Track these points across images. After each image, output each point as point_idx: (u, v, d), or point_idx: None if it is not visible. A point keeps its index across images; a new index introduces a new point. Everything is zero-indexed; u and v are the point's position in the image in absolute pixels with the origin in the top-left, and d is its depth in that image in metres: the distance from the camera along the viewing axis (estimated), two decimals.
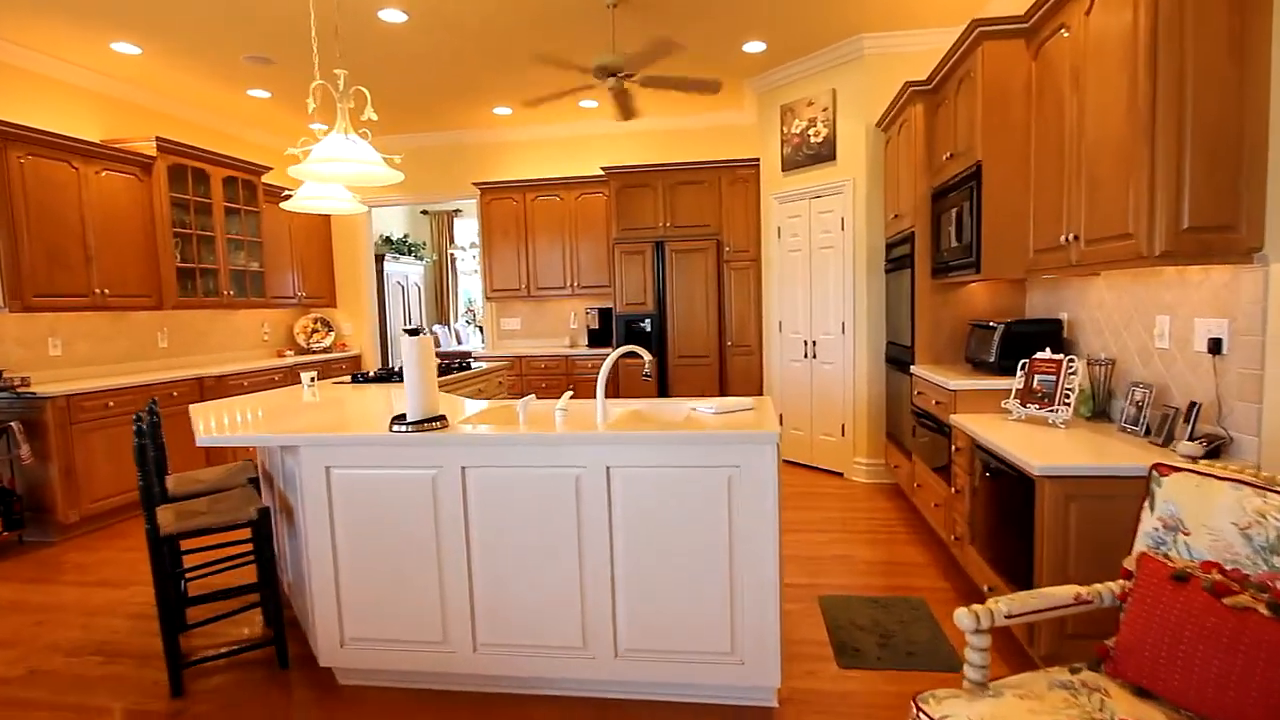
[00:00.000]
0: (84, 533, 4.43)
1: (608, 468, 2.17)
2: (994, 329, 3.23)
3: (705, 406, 2.49)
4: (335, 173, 2.64)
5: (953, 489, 3.07)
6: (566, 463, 2.20)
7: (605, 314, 6.48)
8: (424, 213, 11.23)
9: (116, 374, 5.10)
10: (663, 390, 5.99)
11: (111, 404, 4.55)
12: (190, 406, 3.31)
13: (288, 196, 3.36)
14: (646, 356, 2.52)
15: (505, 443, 2.22)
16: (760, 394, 5.80)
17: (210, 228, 5.69)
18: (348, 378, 4.24)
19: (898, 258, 4.25)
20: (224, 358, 6.26)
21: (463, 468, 2.26)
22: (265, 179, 6.63)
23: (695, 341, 5.88)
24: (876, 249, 4.72)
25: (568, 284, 6.49)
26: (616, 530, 2.19)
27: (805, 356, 5.22)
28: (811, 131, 4.96)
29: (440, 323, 11.29)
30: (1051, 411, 2.64)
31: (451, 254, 11.23)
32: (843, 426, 4.98)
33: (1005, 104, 2.95)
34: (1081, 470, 2.07)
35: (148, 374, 5.11)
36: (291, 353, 6.89)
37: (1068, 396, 2.61)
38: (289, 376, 6.22)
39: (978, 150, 3.03)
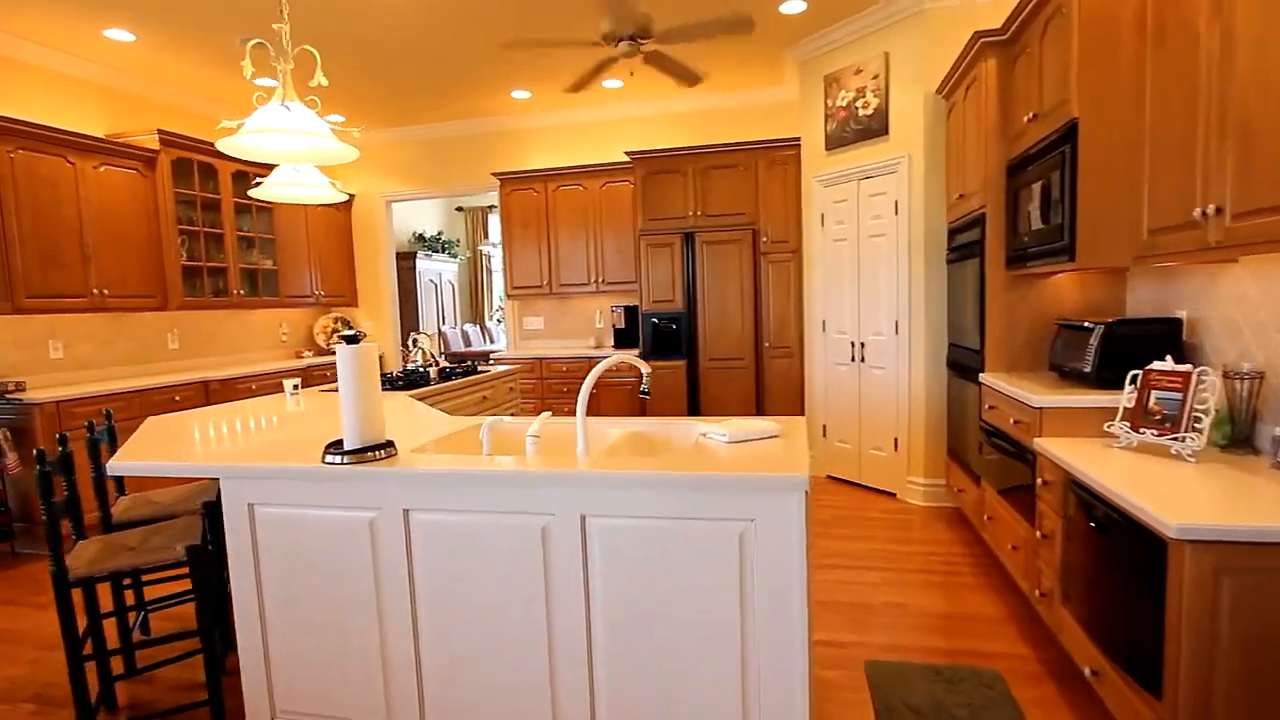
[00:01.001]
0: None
1: (582, 517, 1.68)
2: (1090, 330, 2.60)
3: (718, 432, 1.97)
4: (276, 148, 2.22)
5: (1037, 531, 2.47)
6: (530, 508, 1.71)
7: (632, 312, 5.99)
8: (459, 209, 10.99)
9: (121, 377, 4.88)
10: (693, 398, 5.46)
11: (107, 410, 4.29)
12: (150, 419, 2.97)
13: (258, 183, 2.98)
14: (644, 368, 2.01)
15: (451, 481, 1.75)
16: (801, 403, 5.21)
17: (219, 224, 5.43)
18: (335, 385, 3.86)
19: (963, 245, 3.62)
20: (238, 359, 6.02)
21: (405, 510, 1.80)
22: None
23: (729, 343, 5.33)
24: (936, 236, 4.09)
25: (592, 280, 6.02)
26: (594, 598, 1.70)
27: (852, 360, 4.62)
28: (860, 103, 4.35)
29: (473, 321, 11.02)
30: (1176, 439, 2.02)
31: (484, 251, 10.94)
32: (895, 440, 4.37)
33: (1110, 42, 2.33)
34: (1239, 533, 1.48)
35: (151, 377, 4.87)
36: (310, 354, 6.64)
37: (1199, 420, 1.99)
38: (303, 378, 5.94)
39: (1072, 105, 2.41)
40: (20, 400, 3.96)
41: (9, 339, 4.33)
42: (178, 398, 4.78)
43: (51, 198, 4.28)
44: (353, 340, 1.88)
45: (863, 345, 4.54)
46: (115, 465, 2.01)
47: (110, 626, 3.05)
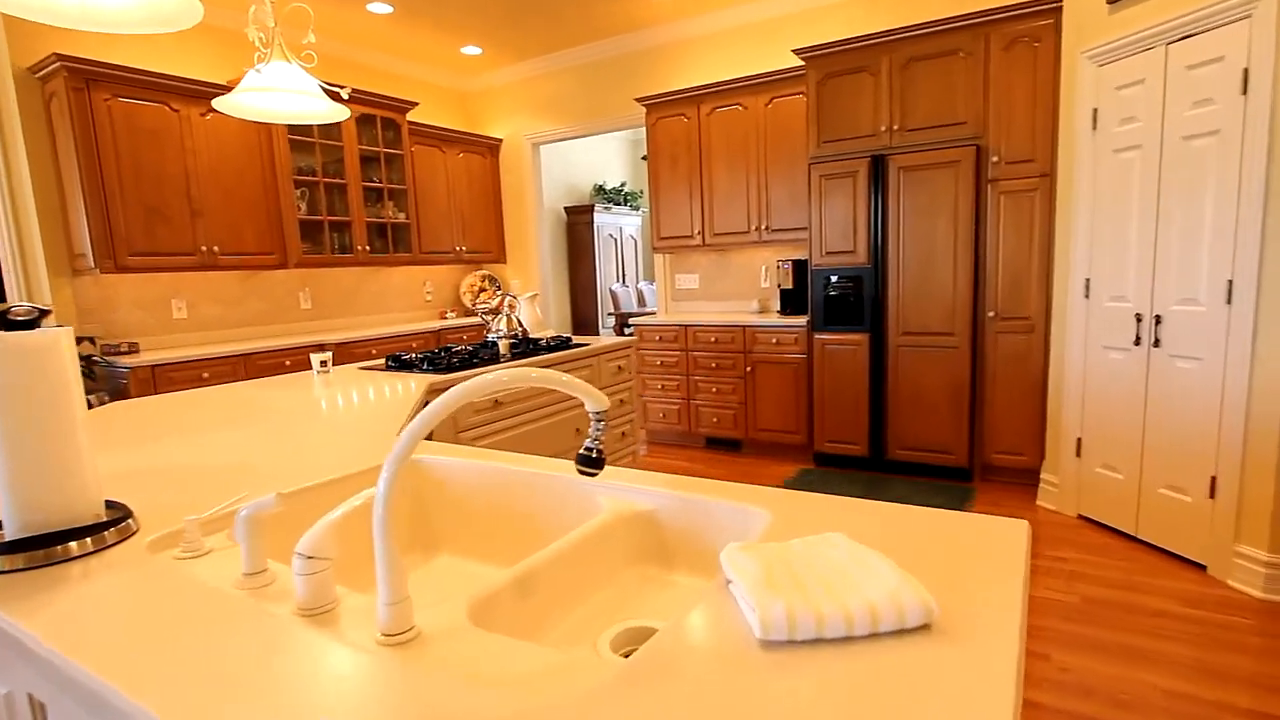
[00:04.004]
0: None
1: None
2: None
3: (748, 601, 0.73)
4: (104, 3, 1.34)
5: None
6: None
7: (802, 268, 4.61)
8: (644, 158, 10.14)
9: (245, 339, 4.72)
10: (876, 388, 3.98)
11: (207, 375, 4.06)
12: (118, 402, 2.42)
13: (225, 107, 2.22)
14: (592, 402, 0.83)
15: (79, 684, 0.74)
16: (1042, 401, 3.49)
17: (341, 174, 5.04)
18: (382, 361, 3.12)
19: None
20: (376, 320, 5.73)
21: (30, 698, 0.85)
22: (411, 116, 5.89)
23: (932, 311, 3.75)
24: None
25: (753, 227, 4.72)
26: None
27: (1137, 342, 2.86)
28: None
29: (651, 279, 10.18)
30: None
31: None
32: (1212, 480, 2.59)
33: None
34: None
35: (271, 340, 4.64)
36: (454, 314, 6.21)
37: None
38: (434, 341, 5.47)
39: None
40: (115, 364, 3.81)
41: (130, 298, 4.25)
42: (288, 362, 4.46)
43: (154, 148, 4.05)
44: (12, 325, 0.94)
45: (1157, 320, 2.77)
46: None
47: None
